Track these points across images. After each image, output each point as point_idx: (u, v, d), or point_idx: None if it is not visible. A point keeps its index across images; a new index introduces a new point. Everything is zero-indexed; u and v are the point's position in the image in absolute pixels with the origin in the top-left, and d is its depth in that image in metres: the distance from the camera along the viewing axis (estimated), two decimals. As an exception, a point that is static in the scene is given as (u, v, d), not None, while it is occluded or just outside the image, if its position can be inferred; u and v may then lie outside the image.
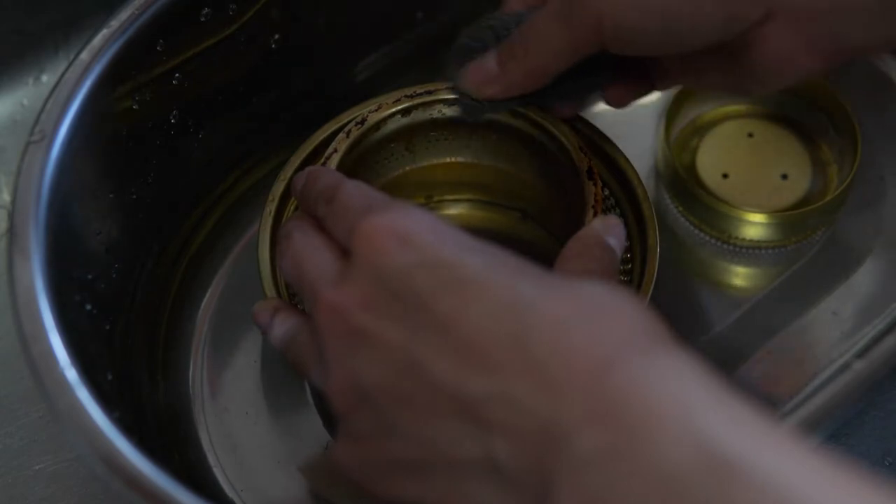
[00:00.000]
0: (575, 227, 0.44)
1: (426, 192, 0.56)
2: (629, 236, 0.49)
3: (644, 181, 0.50)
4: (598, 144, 0.51)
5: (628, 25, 0.42)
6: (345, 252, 0.39)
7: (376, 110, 0.50)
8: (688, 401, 0.31)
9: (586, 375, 0.32)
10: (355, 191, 0.41)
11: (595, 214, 0.46)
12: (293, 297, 0.48)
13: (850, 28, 0.43)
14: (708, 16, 0.42)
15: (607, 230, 0.43)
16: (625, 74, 0.48)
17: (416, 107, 0.51)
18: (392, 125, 0.51)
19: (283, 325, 0.43)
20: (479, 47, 0.47)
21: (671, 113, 0.58)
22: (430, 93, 0.51)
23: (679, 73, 0.47)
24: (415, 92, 0.51)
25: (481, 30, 0.47)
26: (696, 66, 0.46)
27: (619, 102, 0.49)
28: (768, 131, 0.59)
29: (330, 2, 0.57)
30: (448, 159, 0.54)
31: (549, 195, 0.54)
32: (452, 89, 0.49)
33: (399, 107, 0.51)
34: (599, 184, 0.47)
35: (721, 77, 0.46)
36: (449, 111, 0.51)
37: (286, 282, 0.48)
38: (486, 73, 0.47)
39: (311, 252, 0.40)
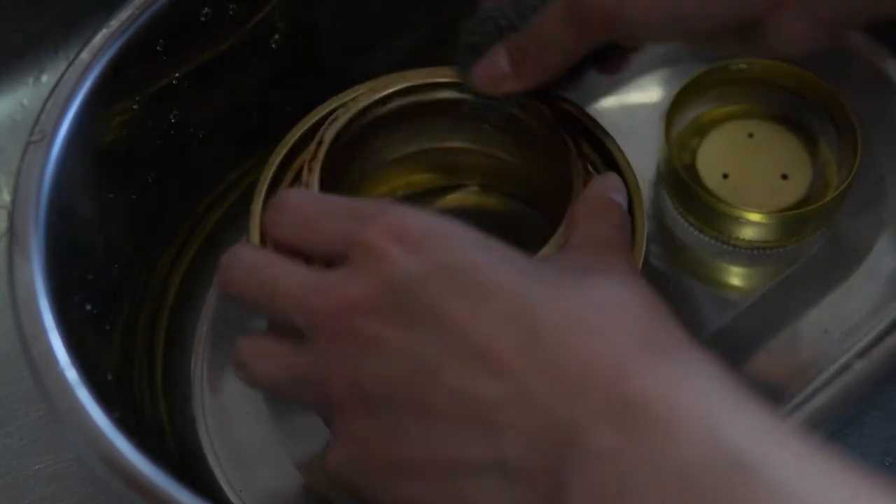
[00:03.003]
0: (566, 196, 0.45)
1: (422, 179, 0.56)
2: None
3: (644, 181, 0.50)
4: (597, 136, 0.50)
5: (639, 22, 0.42)
6: (326, 264, 0.38)
7: (364, 94, 0.50)
8: (706, 400, 0.31)
9: (601, 376, 0.32)
10: (337, 203, 0.39)
11: (579, 151, 0.47)
12: None
13: (857, 4, 0.42)
14: (720, 4, 0.42)
15: (609, 187, 0.44)
16: (622, 51, 0.48)
17: (411, 90, 0.50)
18: (377, 111, 0.50)
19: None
20: (483, 42, 0.47)
21: (671, 113, 0.58)
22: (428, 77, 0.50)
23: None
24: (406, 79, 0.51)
25: (482, 23, 0.47)
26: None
27: (615, 71, 0.49)
28: (768, 131, 0.59)
29: (331, 2, 0.57)
30: (445, 144, 0.54)
31: (546, 177, 0.53)
32: (462, 87, 0.49)
33: (391, 89, 0.50)
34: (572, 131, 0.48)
35: (725, 48, 0.45)
36: (441, 94, 0.51)
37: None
38: (498, 72, 0.46)
39: (286, 270, 0.38)
